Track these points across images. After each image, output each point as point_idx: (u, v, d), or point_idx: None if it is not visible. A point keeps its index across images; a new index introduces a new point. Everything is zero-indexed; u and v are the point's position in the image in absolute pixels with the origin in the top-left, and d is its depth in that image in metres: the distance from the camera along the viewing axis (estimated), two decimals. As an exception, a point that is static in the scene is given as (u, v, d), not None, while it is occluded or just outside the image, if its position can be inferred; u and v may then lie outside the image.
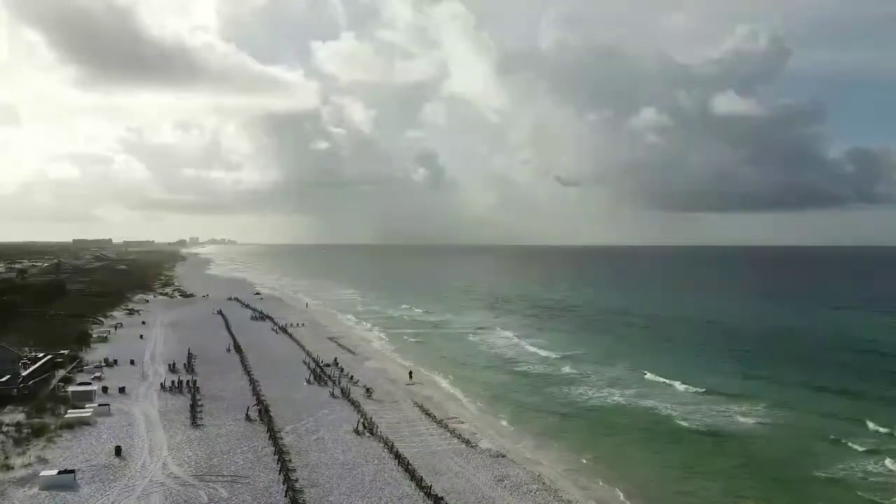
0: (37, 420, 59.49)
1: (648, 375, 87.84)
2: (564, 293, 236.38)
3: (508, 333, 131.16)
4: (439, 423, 62.58)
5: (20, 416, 60.64)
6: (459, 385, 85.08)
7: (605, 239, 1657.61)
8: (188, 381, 76.42)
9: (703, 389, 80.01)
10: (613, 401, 76.80)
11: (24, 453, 50.67)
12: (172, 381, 76.41)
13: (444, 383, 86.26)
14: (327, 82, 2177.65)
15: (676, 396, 77.77)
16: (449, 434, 58.89)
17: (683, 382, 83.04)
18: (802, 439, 61.89)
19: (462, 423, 63.86)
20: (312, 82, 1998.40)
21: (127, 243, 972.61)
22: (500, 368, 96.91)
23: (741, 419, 68.13)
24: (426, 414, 65.84)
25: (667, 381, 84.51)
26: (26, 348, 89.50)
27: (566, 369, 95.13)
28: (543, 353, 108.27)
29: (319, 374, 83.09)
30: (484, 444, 56.45)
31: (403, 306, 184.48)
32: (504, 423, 67.96)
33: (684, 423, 66.76)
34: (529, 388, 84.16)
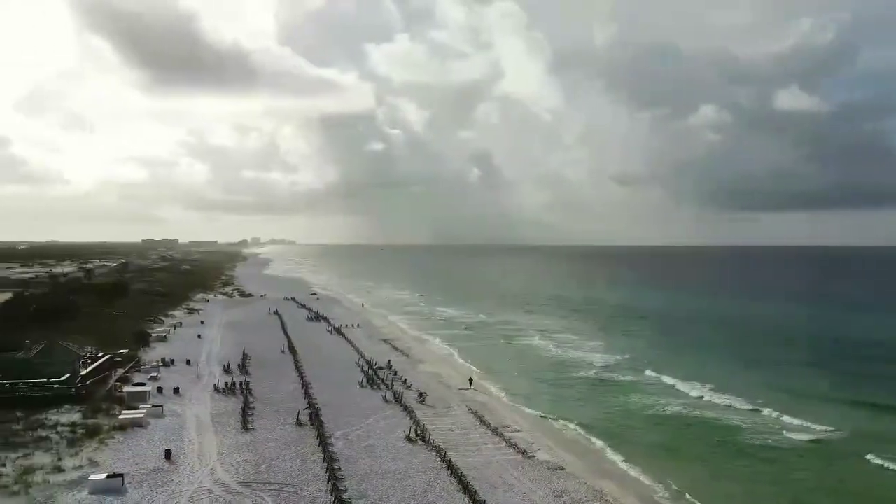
0: (91, 420, 59.54)
1: (707, 385, 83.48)
2: (623, 296, 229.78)
3: (565, 337, 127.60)
4: (494, 431, 59.97)
5: (76, 416, 60.86)
6: (515, 391, 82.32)
7: (661, 239, 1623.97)
8: (241, 383, 75.91)
9: (762, 401, 75.25)
10: (672, 410, 73.15)
11: (76, 455, 50.41)
12: (226, 383, 76.05)
13: (499, 388, 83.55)
14: (381, 84, 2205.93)
15: (735, 409, 73.32)
16: (504, 443, 56.21)
17: (742, 393, 78.46)
18: (865, 460, 56.87)
19: (518, 431, 61.06)
20: (367, 84, 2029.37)
21: (192, 244, 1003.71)
22: (556, 374, 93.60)
23: (807, 436, 63.30)
24: (480, 421, 63.30)
25: (725, 391, 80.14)
26: (88, 347, 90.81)
27: (623, 376, 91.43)
28: (600, 358, 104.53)
29: (372, 377, 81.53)
30: (541, 456, 53.54)
31: (458, 308, 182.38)
32: (561, 432, 64.91)
33: (747, 438, 62.91)
34: (586, 395, 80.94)
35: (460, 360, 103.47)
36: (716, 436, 63.93)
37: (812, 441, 62.20)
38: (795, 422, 67.32)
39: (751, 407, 73.60)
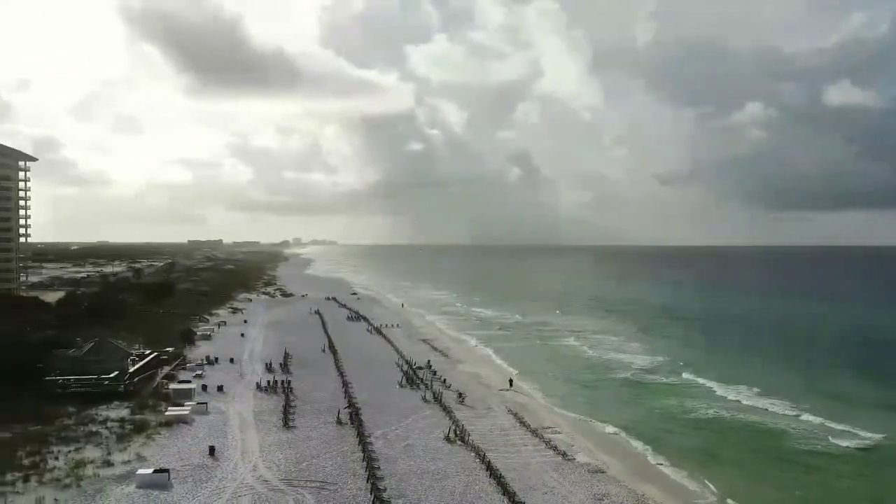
0: (139, 416, 61.39)
1: (748, 388, 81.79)
2: (662, 297, 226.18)
3: (602, 338, 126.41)
4: (534, 432, 59.89)
5: (125, 412, 62.79)
6: (553, 392, 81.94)
7: (704, 239, 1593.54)
8: (283, 382, 77.24)
9: (806, 406, 73.40)
10: (712, 414, 71.86)
11: (124, 450, 52.03)
12: (268, 381, 77.49)
13: (537, 390, 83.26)
14: (421, 85, 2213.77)
15: (777, 414, 71.37)
16: (544, 445, 56.08)
17: (785, 397, 76.70)
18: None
19: (558, 433, 60.87)
20: (406, 85, 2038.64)
21: (235, 244, 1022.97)
22: (594, 376, 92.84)
23: (854, 443, 61.40)
24: (520, 422, 63.28)
25: (767, 394, 78.57)
26: (136, 345, 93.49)
27: (661, 378, 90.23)
28: (639, 360, 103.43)
29: (412, 376, 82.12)
30: (581, 458, 53.31)
31: (495, 309, 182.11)
32: (601, 434, 64.38)
33: (790, 444, 61.56)
34: (625, 397, 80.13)
35: (498, 361, 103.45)
36: (757, 441, 62.69)
37: (859, 448, 60.43)
38: (841, 427, 65.45)
39: (794, 412, 71.91)
